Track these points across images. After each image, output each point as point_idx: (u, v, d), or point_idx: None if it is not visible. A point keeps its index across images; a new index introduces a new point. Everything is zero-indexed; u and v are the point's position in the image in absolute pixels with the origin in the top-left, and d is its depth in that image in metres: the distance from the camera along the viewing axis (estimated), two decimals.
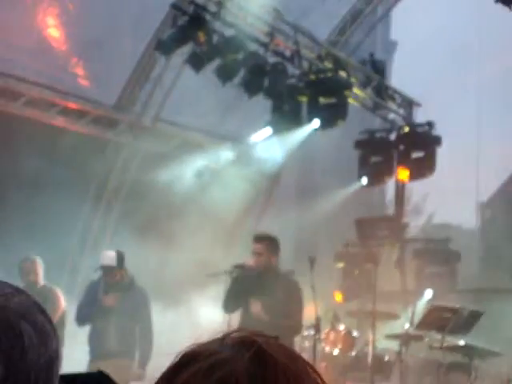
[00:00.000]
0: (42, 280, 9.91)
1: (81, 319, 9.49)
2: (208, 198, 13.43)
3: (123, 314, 9.25)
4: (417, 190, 20.71)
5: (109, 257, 9.36)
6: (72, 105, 12.83)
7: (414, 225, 21.43)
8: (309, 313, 9.94)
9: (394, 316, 11.10)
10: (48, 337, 1.30)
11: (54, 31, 12.53)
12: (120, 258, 9.42)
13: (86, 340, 9.51)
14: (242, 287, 8.56)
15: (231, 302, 8.58)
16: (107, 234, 13.44)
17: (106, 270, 9.30)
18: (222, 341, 1.41)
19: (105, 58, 13.02)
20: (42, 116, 12.57)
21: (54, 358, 1.32)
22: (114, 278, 9.33)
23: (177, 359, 1.41)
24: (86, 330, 9.85)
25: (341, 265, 13.22)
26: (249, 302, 8.56)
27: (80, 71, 13.21)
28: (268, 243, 8.66)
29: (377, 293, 10.43)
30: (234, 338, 1.41)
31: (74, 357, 8.98)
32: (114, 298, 9.31)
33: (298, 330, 8.98)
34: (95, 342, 9.36)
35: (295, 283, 8.90)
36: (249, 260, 8.66)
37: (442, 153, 13.77)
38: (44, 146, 11.72)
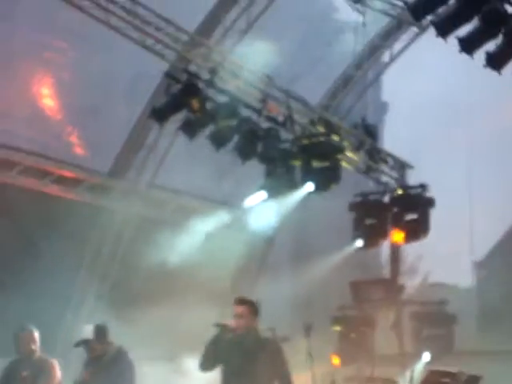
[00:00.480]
0: (38, 351, 9.84)
1: None
2: (203, 261, 13.40)
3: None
4: (411, 249, 20.68)
5: (85, 330, 9.30)
6: (67, 173, 12.87)
7: (410, 285, 21.33)
8: (306, 381, 9.88)
9: (392, 381, 11.03)
10: None
11: (48, 101, 12.63)
12: (100, 331, 9.32)
13: None
14: (222, 348, 8.61)
15: (208, 361, 8.65)
16: (101, 304, 13.37)
17: (84, 344, 9.22)
18: None
19: (99, 126, 13.11)
20: (36, 184, 12.59)
21: None
22: (94, 352, 9.23)
23: None
24: None
25: (337, 328, 13.16)
26: (229, 365, 8.62)
27: (75, 139, 13.29)
28: (249, 306, 8.71)
29: (374, 357, 10.39)
30: None
31: None
32: (89, 374, 9.19)
33: None
34: None
35: (277, 345, 8.95)
36: (231, 322, 8.74)
37: (435, 213, 13.82)
38: (39, 214, 11.73)
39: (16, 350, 9.78)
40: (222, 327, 8.60)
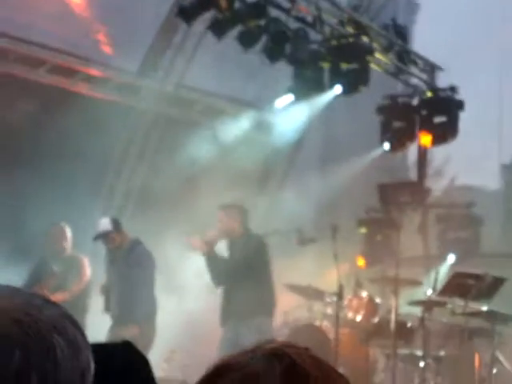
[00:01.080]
0: (69, 248, 10.00)
1: None
2: (229, 164, 13.45)
3: (121, 278, 9.32)
4: (439, 153, 20.61)
5: (103, 223, 9.46)
6: (95, 71, 12.83)
7: (436, 188, 21.36)
8: (331, 280, 10.03)
9: (416, 282, 11.14)
10: (80, 349, 1.30)
11: None
12: (116, 222, 9.52)
13: None
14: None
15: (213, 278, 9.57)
16: (130, 201, 13.51)
17: (103, 236, 9.39)
18: (254, 353, 1.42)
19: (127, 24, 13.01)
20: (64, 83, 12.58)
21: (86, 370, 1.32)
22: (114, 242, 9.41)
23: (209, 371, 1.43)
24: None
25: (363, 230, 13.24)
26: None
27: (102, 37, 13.21)
28: (226, 211, 9.65)
29: (399, 258, 10.46)
30: (265, 349, 1.42)
31: (102, 325, 9.13)
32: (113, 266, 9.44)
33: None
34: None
35: (256, 239, 9.65)
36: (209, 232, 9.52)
37: (464, 116, 13.72)
38: (67, 113, 11.74)
39: (47, 245, 9.97)
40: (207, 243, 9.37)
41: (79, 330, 1.33)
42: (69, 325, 1.30)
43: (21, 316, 1.25)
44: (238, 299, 9.18)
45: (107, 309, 9.45)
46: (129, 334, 9.00)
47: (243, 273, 9.21)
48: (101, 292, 9.46)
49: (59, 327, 1.27)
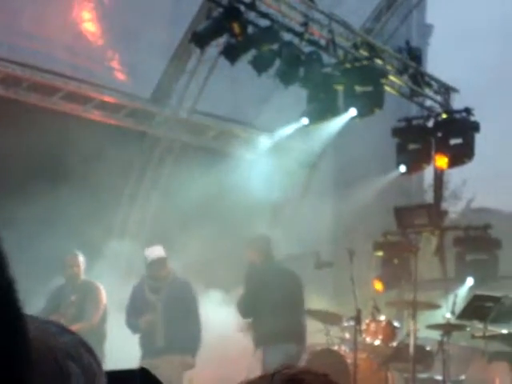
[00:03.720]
0: (82, 274, 9.98)
1: (132, 329, 9.60)
2: (245, 188, 13.41)
3: (171, 308, 9.30)
4: (455, 175, 20.54)
5: (157, 249, 9.45)
6: (108, 98, 12.87)
7: (453, 210, 21.27)
8: (348, 304, 9.94)
9: (434, 306, 11.03)
10: (95, 376, 1.28)
11: (89, 25, 12.58)
12: (165, 253, 9.51)
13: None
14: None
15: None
16: (144, 228, 13.49)
17: (158, 262, 9.36)
18: (272, 378, 1.43)
19: (140, 51, 13.04)
20: (78, 110, 12.63)
21: None
22: (165, 269, 9.41)
23: None
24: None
25: (380, 254, 13.15)
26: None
27: (116, 64, 13.25)
28: (246, 246, 9.81)
29: (417, 282, 10.36)
30: (283, 374, 1.43)
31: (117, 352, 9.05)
32: (161, 295, 9.40)
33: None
34: (145, 339, 9.44)
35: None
36: None
37: (479, 137, 13.65)
38: (81, 141, 11.76)
39: (64, 274, 9.97)
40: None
41: (94, 357, 1.30)
42: (84, 352, 1.28)
43: (36, 343, 1.20)
44: (268, 325, 9.11)
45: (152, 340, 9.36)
46: (187, 364, 9.23)
47: (275, 300, 9.14)
48: (144, 324, 9.38)
49: (74, 354, 1.25)
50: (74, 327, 8.85)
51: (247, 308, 9.36)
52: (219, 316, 10.54)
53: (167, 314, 9.28)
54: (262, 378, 1.43)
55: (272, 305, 9.11)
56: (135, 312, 9.42)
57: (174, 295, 9.37)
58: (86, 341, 1.32)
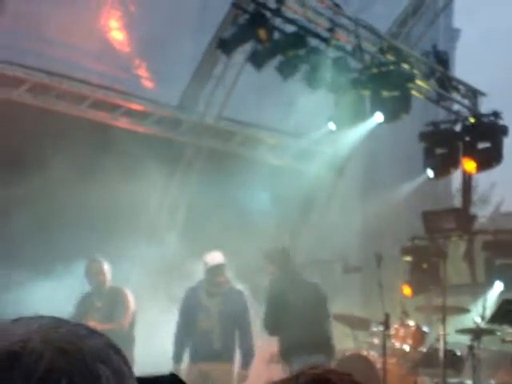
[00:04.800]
0: (109, 281, 10.00)
1: (179, 352, 9.60)
2: (272, 193, 13.42)
3: (226, 316, 9.33)
4: (483, 179, 20.44)
5: (218, 255, 9.47)
6: (136, 106, 12.93)
7: (482, 215, 21.15)
8: (376, 309, 9.91)
9: (464, 310, 10.98)
10: (125, 378, 1.29)
11: (116, 33, 12.65)
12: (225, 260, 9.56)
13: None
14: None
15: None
16: (173, 234, 13.52)
17: (218, 268, 9.40)
18: (297, 378, 1.44)
19: (167, 58, 13.11)
20: (106, 118, 12.69)
21: None
22: (223, 276, 9.45)
23: None
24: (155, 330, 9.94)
25: (408, 258, 13.09)
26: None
27: (143, 72, 13.32)
28: (264, 258, 9.73)
29: (445, 286, 10.32)
30: (308, 374, 1.44)
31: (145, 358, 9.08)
32: (217, 301, 9.44)
33: None
34: (199, 344, 9.46)
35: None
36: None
37: (508, 141, 13.56)
38: (109, 148, 11.83)
39: (88, 280, 10.00)
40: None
41: (124, 360, 1.31)
42: (113, 354, 1.29)
43: (65, 345, 1.24)
44: (294, 337, 9.04)
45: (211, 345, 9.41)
46: (242, 375, 9.27)
47: (298, 312, 9.08)
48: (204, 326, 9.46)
49: (104, 356, 1.26)
50: (105, 326, 8.95)
51: (272, 323, 9.27)
52: None
53: (223, 320, 9.32)
54: (288, 379, 1.45)
55: (296, 316, 9.04)
56: (188, 315, 9.49)
57: (231, 303, 9.41)
58: (115, 343, 1.32)
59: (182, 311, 9.62)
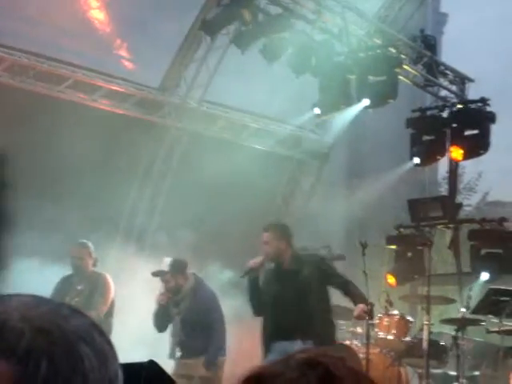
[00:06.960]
0: (91, 265, 9.81)
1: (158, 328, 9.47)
2: (255, 179, 13.21)
3: (187, 321, 9.18)
4: (470, 167, 20.26)
5: (164, 262, 9.33)
6: (116, 87, 12.71)
7: (468, 203, 21.00)
8: None
9: (449, 300, 10.83)
10: (107, 359, 1.29)
11: (97, 13, 12.38)
12: (176, 264, 9.29)
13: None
14: (262, 286, 8.58)
15: (258, 306, 8.61)
16: (154, 218, 13.33)
17: (159, 274, 9.26)
18: (287, 362, 1.39)
19: (149, 40, 12.84)
20: (86, 99, 12.47)
21: (114, 380, 1.30)
22: (168, 283, 9.26)
23: (241, 381, 1.40)
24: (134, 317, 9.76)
25: (393, 247, 12.91)
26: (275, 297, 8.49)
27: (124, 53, 13.06)
28: (272, 231, 8.62)
29: (430, 276, 10.15)
30: (298, 358, 1.39)
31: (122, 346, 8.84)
32: (165, 298, 9.26)
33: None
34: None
35: (317, 258, 8.89)
36: (255, 258, 8.60)
37: (496, 129, 13.37)
38: (89, 129, 11.58)
39: (71, 263, 9.86)
40: (249, 272, 8.47)
41: (106, 340, 1.32)
42: (96, 335, 1.29)
43: (47, 325, 1.24)
44: (289, 323, 8.62)
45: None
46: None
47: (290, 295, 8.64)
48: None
49: (86, 337, 1.27)
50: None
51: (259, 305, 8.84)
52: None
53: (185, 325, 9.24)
54: (275, 364, 1.40)
55: (282, 300, 8.66)
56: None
57: (191, 311, 9.26)
58: (98, 324, 1.32)
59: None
